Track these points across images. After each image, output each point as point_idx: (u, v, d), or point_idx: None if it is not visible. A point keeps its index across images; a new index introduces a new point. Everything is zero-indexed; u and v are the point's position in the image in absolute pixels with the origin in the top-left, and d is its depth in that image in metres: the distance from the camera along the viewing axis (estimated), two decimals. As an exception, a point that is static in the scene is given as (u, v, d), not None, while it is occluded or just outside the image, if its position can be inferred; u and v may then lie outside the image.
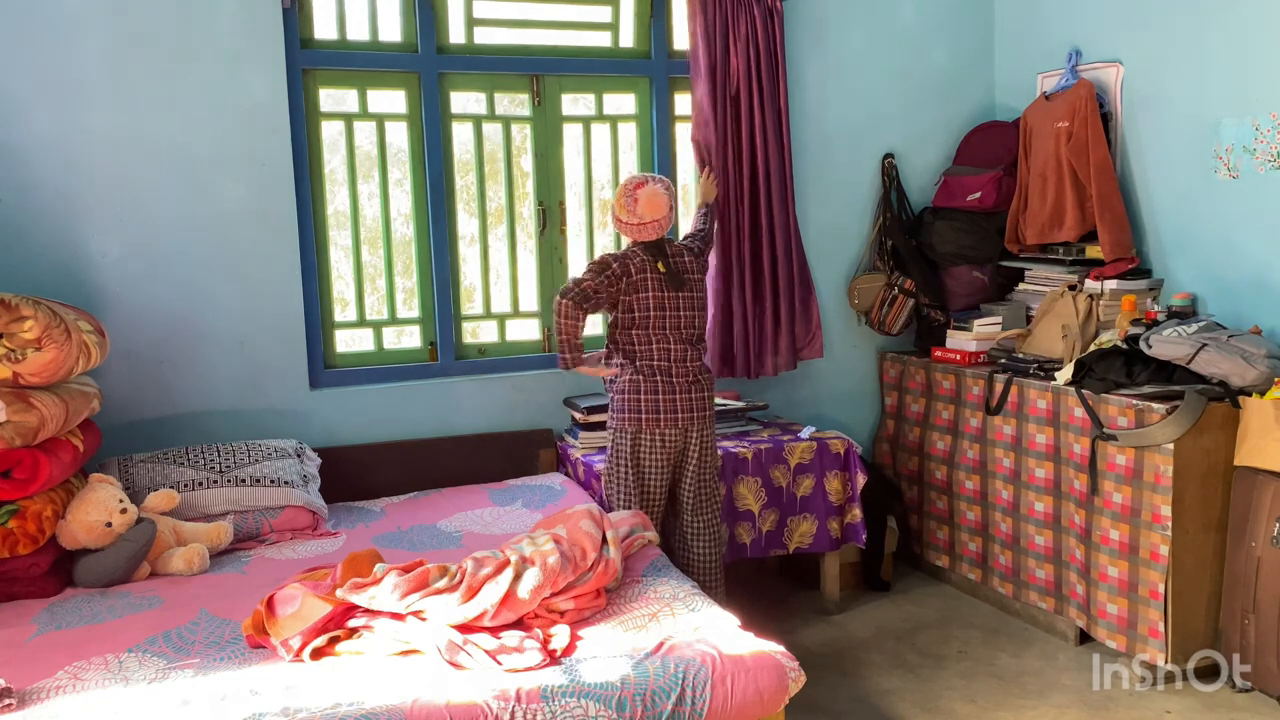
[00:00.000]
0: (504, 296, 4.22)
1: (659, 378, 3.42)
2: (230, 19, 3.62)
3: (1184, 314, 3.61)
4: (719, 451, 3.83)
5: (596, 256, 3.49)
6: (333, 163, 3.95)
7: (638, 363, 3.43)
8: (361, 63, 3.90)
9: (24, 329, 2.88)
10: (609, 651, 2.46)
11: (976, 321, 4.18)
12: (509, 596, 2.56)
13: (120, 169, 3.55)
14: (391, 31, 3.95)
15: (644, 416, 3.42)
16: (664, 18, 4.23)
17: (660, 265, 3.43)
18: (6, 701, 2.23)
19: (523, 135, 4.17)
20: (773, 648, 2.48)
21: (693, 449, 3.50)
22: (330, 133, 3.92)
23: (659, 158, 4.29)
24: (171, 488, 3.28)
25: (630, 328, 3.44)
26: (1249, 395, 3.24)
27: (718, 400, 4.17)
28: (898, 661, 3.64)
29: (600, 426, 3.92)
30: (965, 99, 4.60)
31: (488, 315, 4.19)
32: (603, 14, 4.21)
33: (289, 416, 3.81)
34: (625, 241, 3.57)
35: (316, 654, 2.45)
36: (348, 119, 3.94)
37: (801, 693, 2.49)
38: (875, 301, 4.43)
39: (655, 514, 3.51)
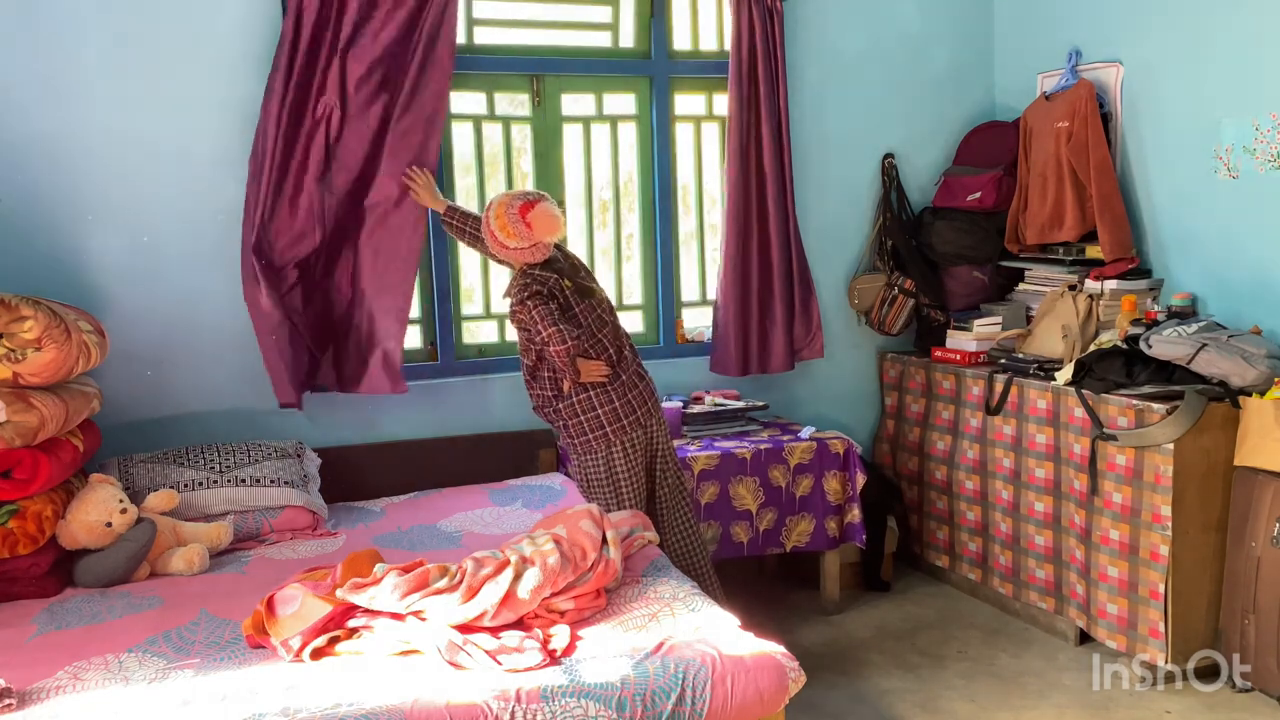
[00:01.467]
0: (504, 296, 4.22)
1: (610, 385, 3.33)
2: (230, 19, 3.62)
3: (1184, 314, 3.61)
4: (718, 451, 3.84)
5: (526, 295, 3.23)
6: (333, 163, 3.95)
7: (583, 378, 3.32)
8: (361, 63, 3.90)
9: (24, 329, 2.88)
10: (609, 651, 2.46)
11: (976, 321, 4.18)
12: (509, 596, 2.56)
13: (120, 169, 3.55)
14: (391, 31, 3.94)
15: (609, 429, 3.33)
16: (664, 18, 4.22)
17: (566, 282, 3.31)
18: (6, 701, 2.23)
19: (523, 135, 4.17)
20: (773, 648, 2.48)
21: (658, 444, 3.45)
22: (330, 133, 3.92)
23: (659, 158, 4.29)
24: (171, 488, 3.28)
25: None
26: (1249, 395, 3.25)
27: (717, 400, 4.17)
28: (898, 661, 3.64)
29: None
30: (965, 99, 4.60)
31: (488, 315, 4.19)
32: (603, 14, 4.21)
33: (289, 416, 3.81)
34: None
35: (316, 654, 2.44)
36: (348, 119, 3.93)
37: (801, 693, 2.48)
38: (875, 301, 4.43)
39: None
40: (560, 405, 3.35)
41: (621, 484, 3.37)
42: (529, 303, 3.22)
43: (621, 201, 4.33)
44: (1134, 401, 3.35)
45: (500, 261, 3.44)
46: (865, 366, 4.61)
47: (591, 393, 3.32)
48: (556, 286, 3.28)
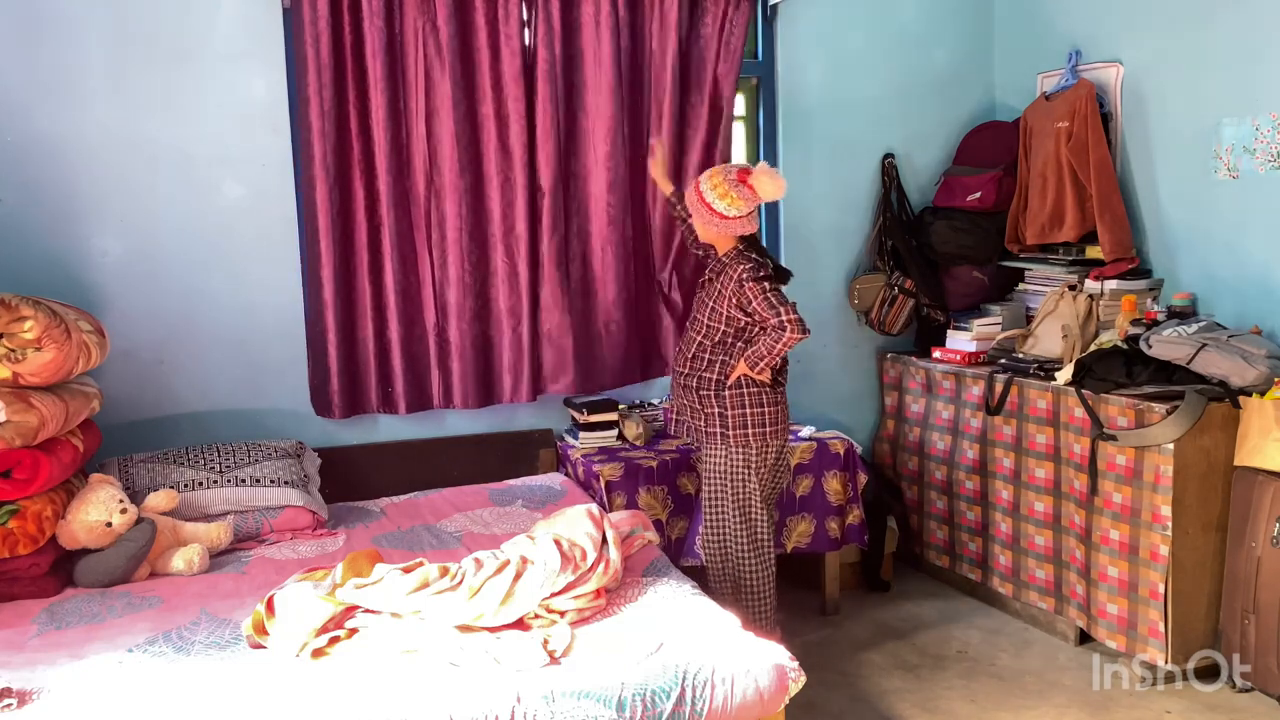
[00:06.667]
0: (504, 296, 4.21)
1: (773, 389, 3.34)
2: (230, 19, 3.62)
3: (1184, 314, 3.61)
4: None
5: (762, 275, 3.20)
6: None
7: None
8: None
9: (24, 329, 2.88)
10: (609, 651, 2.46)
11: (976, 321, 4.18)
12: (509, 596, 2.56)
13: (120, 169, 3.55)
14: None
15: (767, 430, 3.32)
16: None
17: (769, 261, 3.34)
18: (6, 702, 2.23)
19: (523, 135, 4.16)
20: (773, 648, 2.48)
21: (784, 458, 3.52)
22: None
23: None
24: (171, 488, 3.28)
25: (751, 335, 3.31)
26: (1249, 395, 3.24)
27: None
28: (898, 661, 3.64)
29: (599, 427, 3.92)
30: (965, 99, 4.60)
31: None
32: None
33: (289, 416, 3.81)
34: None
35: (316, 654, 2.45)
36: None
37: (801, 693, 2.49)
38: (875, 301, 4.43)
39: (768, 531, 3.41)
40: (727, 392, 3.31)
41: (765, 482, 3.38)
42: (765, 284, 3.19)
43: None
44: (1134, 401, 3.35)
45: (702, 244, 3.47)
46: (865, 366, 4.61)
47: (764, 391, 3.32)
48: (773, 272, 3.30)
